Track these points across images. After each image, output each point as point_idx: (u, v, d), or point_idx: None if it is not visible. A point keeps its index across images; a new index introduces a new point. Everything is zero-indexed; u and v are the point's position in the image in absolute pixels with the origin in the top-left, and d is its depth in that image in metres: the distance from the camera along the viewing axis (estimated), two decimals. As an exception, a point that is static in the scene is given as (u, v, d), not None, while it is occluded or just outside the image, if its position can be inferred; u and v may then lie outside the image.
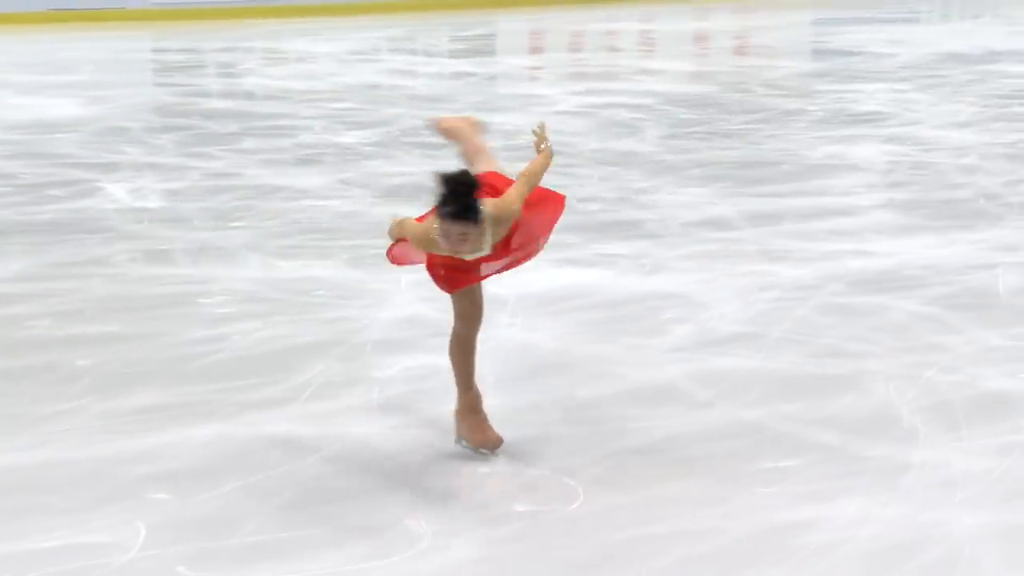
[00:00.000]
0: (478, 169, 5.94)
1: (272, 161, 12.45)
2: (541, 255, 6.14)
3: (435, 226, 5.47)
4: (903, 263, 8.94)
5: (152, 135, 13.97)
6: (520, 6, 28.40)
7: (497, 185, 5.77)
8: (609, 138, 13.56)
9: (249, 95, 17.34)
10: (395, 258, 6.01)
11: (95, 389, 6.80)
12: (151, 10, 26.03)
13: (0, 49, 22.89)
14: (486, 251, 5.60)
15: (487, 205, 5.48)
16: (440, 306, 6.00)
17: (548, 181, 5.93)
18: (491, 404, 6.48)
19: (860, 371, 7.00)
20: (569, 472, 5.84)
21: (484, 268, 5.77)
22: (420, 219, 5.69)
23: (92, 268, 8.99)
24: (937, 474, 5.81)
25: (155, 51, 23.49)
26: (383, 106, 15.75)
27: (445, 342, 6.05)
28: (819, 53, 22.41)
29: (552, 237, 6.02)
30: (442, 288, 5.87)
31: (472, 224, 5.43)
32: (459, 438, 6.05)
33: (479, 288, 5.90)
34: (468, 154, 6.24)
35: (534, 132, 6.05)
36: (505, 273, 6.01)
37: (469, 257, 5.62)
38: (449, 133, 6.46)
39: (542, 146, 5.97)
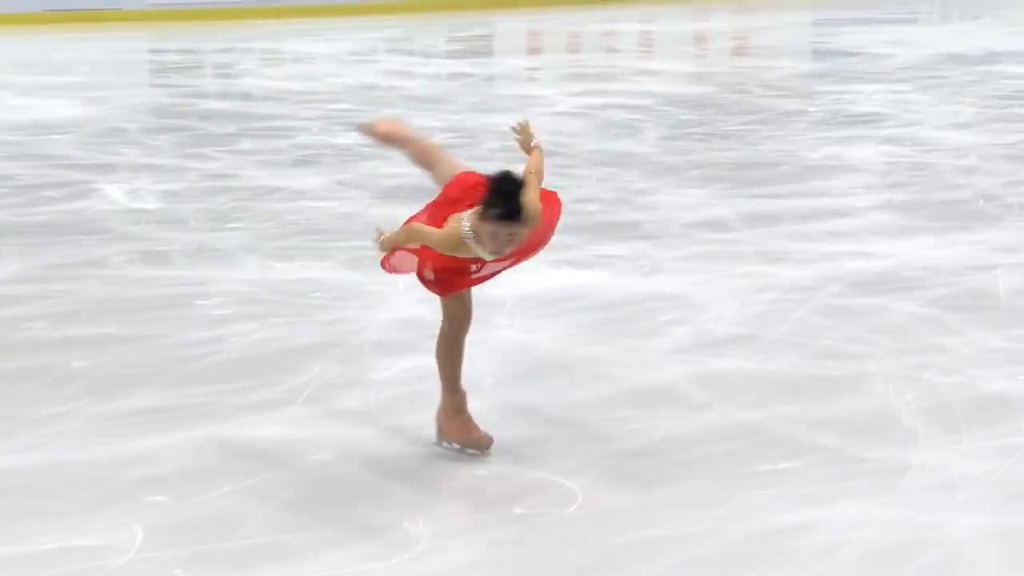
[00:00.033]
0: (445, 170, 5.93)
1: (269, 162, 12.43)
2: (540, 256, 6.12)
3: (466, 228, 5.48)
4: (902, 264, 8.93)
5: (149, 136, 13.94)
6: (518, 7, 28.39)
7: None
8: (607, 139, 13.55)
9: (246, 96, 17.32)
10: (393, 268, 5.96)
11: (91, 391, 6.77)
12: (148, 11, 26.01)
13: (-4, 50, 22.91)
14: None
15: None
16: (438, 308, 5.98)
17: (546, 181, 5.92)
18: (489, 406, 6.48)
19: (859, 373, 6.99)
20: (567, 474, 5.81)
21: (485, 270, 5.75)
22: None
23: (88, 269, 8.96)
24: (936, 476, 5.80)
25: (152, 52, 23.47)
26: (380, 107, 15.72)
27: (443, 344, 6.04)
28: (818, 54, 22.41)
29: (552, 239, 6.00)
30: (435, 292, 5.84)
31: (520, 224, 5.44)
32: (442, 440, 6.02)
33: (469, 290, 5.89)
34: (422, 156, 6.14)
35: (514, 129, 6.04)
36: (501, 275, 5.98)
37: (490, 258, 5.61)
38: (388, 138, 6.32)
39: (532, 143, 5.97)
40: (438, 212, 5.71)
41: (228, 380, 6.94)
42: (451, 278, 5.75)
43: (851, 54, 20.62)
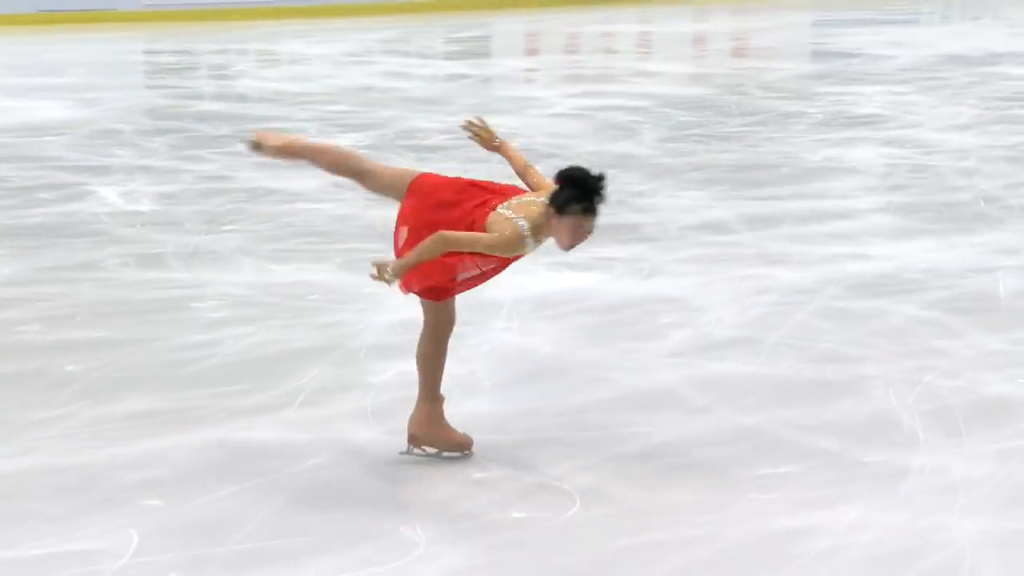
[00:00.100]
0: (391, 175, 5.86)
1: (265, 164, 12.32)
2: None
3: (524, 226, 5.49)
4: (902, 267, 8.91)
5: (144, 138, 13.94)
6: (516, 7, 28.39)
7: (483, 185, 5.79)
8: (606, 140, 13.53)
9: (242, 97, 17.32)
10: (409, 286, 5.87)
11: (86, 395, 6.74)
12: (143, 11, 26.00)
13: (-10, 51, 22.91)
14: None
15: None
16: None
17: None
18: (487, 409, 6.51)
19: (859, 376, 6.96)
20: (566, 478, 5.79)
21: (474, 272, 5.72)
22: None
23: (83, 272, 8.94)
24: (937, 480, 5.78)
25: (147, 53, 23.48)
26: (377, 108, 15.72)
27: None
28: (818, 55, 22.43)
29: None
30: (431, 299, 5.78)
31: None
32: (415, 447, 5.97)
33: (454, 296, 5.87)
34: (344, 163, 6.00)
35: (470, 127, 6.02)
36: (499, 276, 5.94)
37: (565, 250, 5.68)
38: (287, 151, 6.05)
39: (496, 141, 6.04)
40: (432, 218, 5.63)
41: (224, 383, 6.92)
42: (453, 283, 5.71)
43: (851, 55, 20.64)
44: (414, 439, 5.96)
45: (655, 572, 5.05)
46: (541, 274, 8.29)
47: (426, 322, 5.86)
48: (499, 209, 5.60)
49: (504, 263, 5.70)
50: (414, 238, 5.62)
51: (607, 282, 8.65)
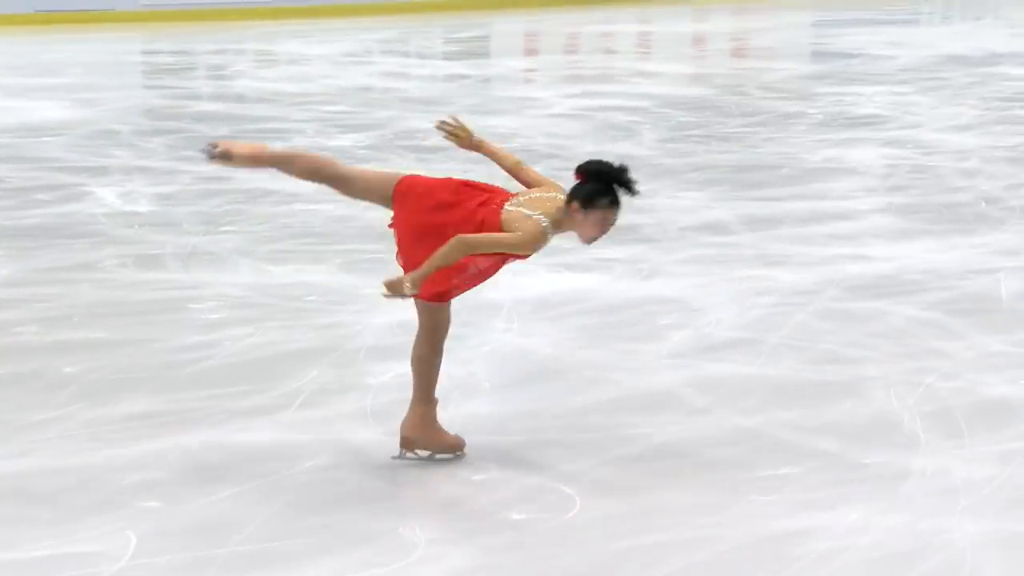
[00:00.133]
0: (376, 179, 5.83)
1: (265, 164, 12.36)
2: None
3: (546, 222, 5.52)
4: (903, 268, 8.89)
5: (142, 138, 13.93)
6: (515, 7, 28.38)
7: (474, 184, 5.79)
8: (605, 141, 13.51)
9: (240, 98, 17.31)
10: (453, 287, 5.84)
11: (83, 396, 6.72)
12: (140, 11, 25.99)
13: (-14, 51, 22.90)
14: None
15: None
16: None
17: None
18: (486, 410, 6.49)
19: (859, 377, 6.94)
20: (565, 480, 5.77)
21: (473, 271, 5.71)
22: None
23: (80, 273, 8.93)
24: (938, 481, 5.76)
25: (145, 53, 23.47)
26: (376, 109, 15.71)
27: (440, 348, 5.98)
28: (818, 55, 22.43)
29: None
30: (437, 300, 5.75)
31: None
32: (408, 451, 5.94)
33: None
34: (319, 168, 5.92)
35: (444, 126, 6.00)
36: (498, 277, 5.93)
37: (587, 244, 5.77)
38: (257, 160, 5.97)
39: (475, 139, 6.04)
40: (433, 220, 5.61)
41: (222, 385, 6.89)
42: (460, 283, 5.69)
43: (851, 55, 20.63)
44: (408, 442, 5.92)
45: (655, 574, 5.03)
46: (541, 275, 8.27)
47: (423, 325, 5.82)
48: (508, 207, 5.61)
49: (502, 261, 5.68)
50: (416, 242, 5.60)
51: (607, 283, 8.63)
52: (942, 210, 10.61)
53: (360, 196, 5.88)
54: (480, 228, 5.56)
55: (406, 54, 22.61)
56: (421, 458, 5.93)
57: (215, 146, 5.83)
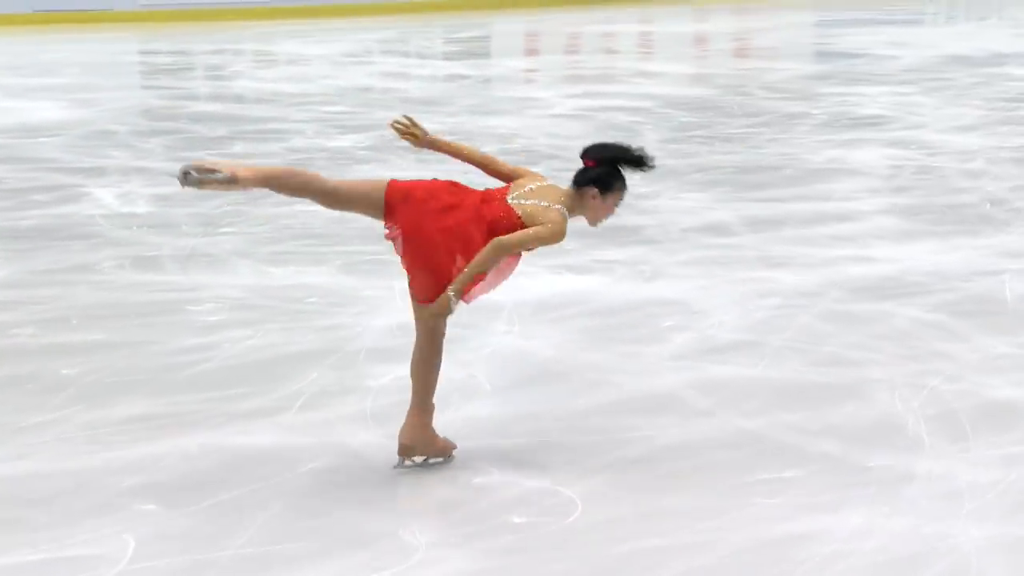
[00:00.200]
0: (362, 188, 5.76)
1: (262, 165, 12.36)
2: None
3: (566, 213, 5.67)
4: (906, 269, 8.85)
5: (139, 139, 13.94)
6: (516, 7, 28.39)
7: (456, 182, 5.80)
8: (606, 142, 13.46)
9: (239, 98, 17.32)
10: (473, 295, 5.76)
11: (80, 399, 6.70)
12: (138, 11, 26.00)
13: (-17, 51, 22.92)
14: None
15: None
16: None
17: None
18: (487, 412, 6.47)
19: (863, 380, 6.91)
20: (567, 483, 5.74)
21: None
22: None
23: (78, 275, 8.91)
24: (942, 485, 5.72)
25: (142, 53, 23.49)
26: (376, 109, 15.70)
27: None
28: (821, 55, 22.44)
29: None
30: (465, 302, 5.72)
31: None
32: (407, 458, 5.90)
33: None
34: (318, 186, 5.74)
35: (399, 127, 5.97)
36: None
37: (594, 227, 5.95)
38: (267, 180, 5.64)
39: (429, 136, 6.00)
40: (441, 223, 5.59)
41: (221, 387, 6.87)
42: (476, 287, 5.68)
43: (855, 55, 20.64)
44: (406, 449, 5.87)
45: (657, 578, 5.00)
46: (542, 277, 8.25)
47: (422, 330, 5.77)
48: (514, 201, 5.67)
49: (518, 257, 5.73)
50: (428, 247, 5.56)
51: (608, 285, 8.61)
52: (946, 211, 10.58)
53: (347, 207, 5.79)
54: (494, 225, 5.60)
55: (406, 54, 22.63)
56: (417, 464, 5.90)
57: (189, 173, 5.57)
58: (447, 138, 6.12)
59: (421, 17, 27.03)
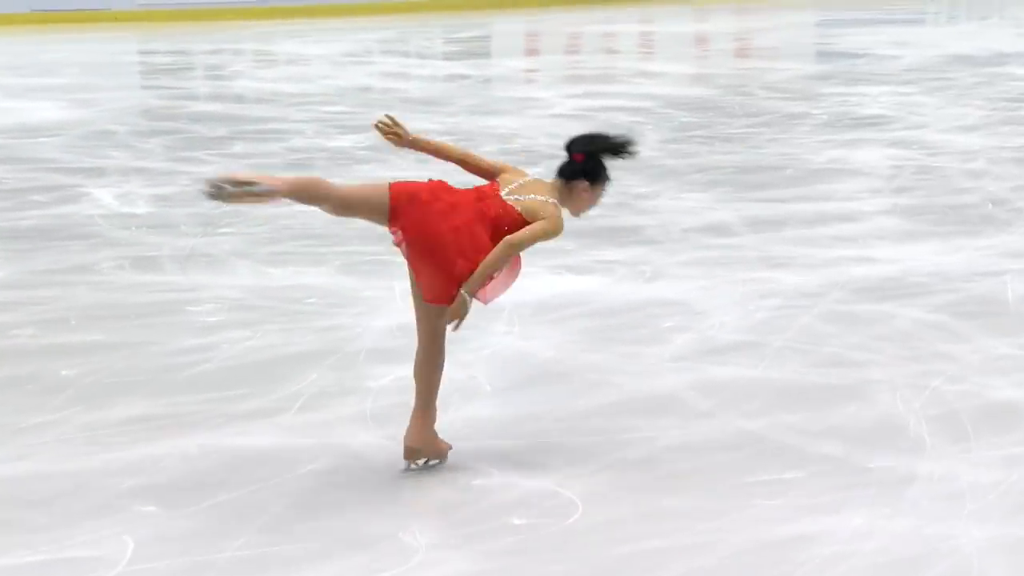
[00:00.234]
0: (355, 194, 5.72)
1: (262, 166, 12.37)
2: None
3: (555, 203, 5.71)
4: (908, 270, 8.83)
5: (139, 139, 13.94)
6: (516, 7, 28.38)
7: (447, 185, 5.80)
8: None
9: (239, 98, 17.32)
10: (489, 295, 5.76)
11: (80, 400, 6.69)
12: (138, 11, 26.00)
13: (-19, 51, 22.92)
14: None
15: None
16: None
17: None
18: (487, 413, 6.46)
19: (864, 380, 6.89)
20: (567, 484, 5.72)
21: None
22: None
23: (77, 275, 8.90)
24: (944, 486, 5.70)
25: (142, 53, 23.49)
26: (376, 109, 15.65)
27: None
28: (822, 55, 22.43)
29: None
30: (483, 302, 5.72)
31: None
32: (413, 461, 5.88)
33: None
34: (334, 196, 5.69)
35: (383, 126, 5.95)
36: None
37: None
38: (304, 189, 5.65)
39: (411, 135, 6.02)
40: (449, 223, 5.58)
41: (220, 388, 6.85)
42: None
43: (856, 55, 20.62)
44: (413, 452, 5.85)
45: (658, 579, 4.99)
46: (542, 277, 8.23)
47: (424, 330, 5.74)
48: (509, 197, 5.70)
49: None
50: (436, 249, 5.55)
51: (608, 285, 8.59)
52: (948, 212, 10.56)
53: (354, 214, 5.74)
54: (497, 223, 5.62)
55: (406, 54, 22.62)
56: (421, 467, 5.89)
57: (222, 187, 5.57)
58: (429, 137, 6.13)
59: (421, 17, 27.03)
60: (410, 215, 5.59)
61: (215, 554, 5.15)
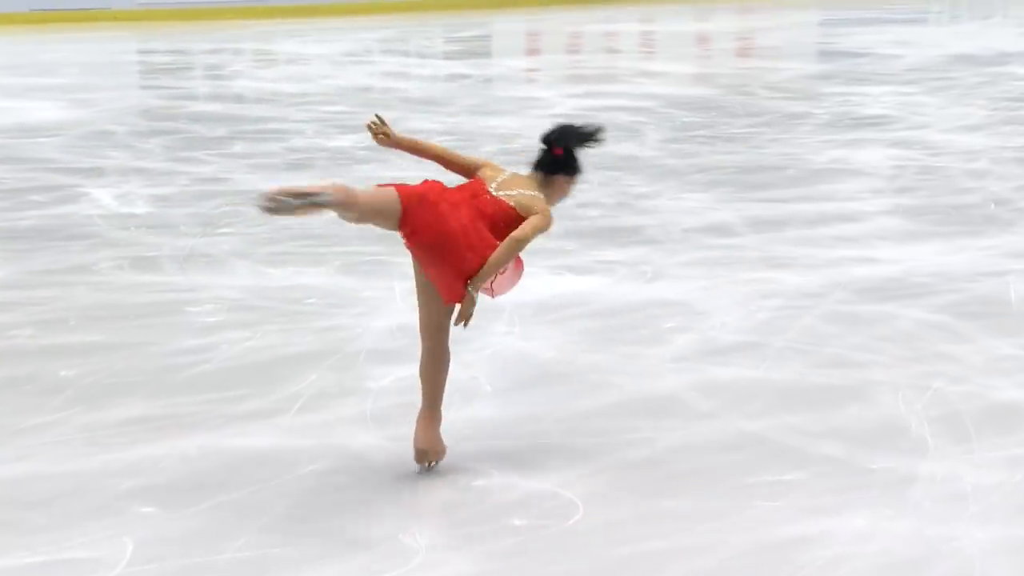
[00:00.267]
0: (368, 200, 5.64)
1: (262, 166, 12.37)
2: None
3: (542, 197, 5.80)
4: (910, 270, 8.82)
5: (138, 139, 13.94)
6: (516, 6, 28.38)
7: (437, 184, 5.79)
8: (608, 142, 13.31)
9: (238, 98, 17.32)
10: (497, 290, 5.80)
11: (79, 400, 6.68)
12: (137, 11, 26.00)
13: (-19, 50, 22.93)
14: None
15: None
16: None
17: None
18: (488, 414, 6.45)
19: (866, 381, 6.88)
20: (568, 485, 5.71)
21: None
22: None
23: (76, 276, 8.89)
24: (946, 487, 5.69)
25: (141, 52, 23.49)
26: (376, 109, 15.62)
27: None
28: (824, 55, 22.43)
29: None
30: (488, 295, 5.72)
31: None
32: (424, 462, 5.86)
33: None
34: (357, 203, 5.62)
35: (373, 127, 5.96)
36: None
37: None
38: (349, 198, 5.57)
39: (398, 136, 6.06)
40: (456, 223, 5.56)
41: (220, 389, 6.84)
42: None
43: (858, 55, 20.62)
44: (424, 455, 5.83)
45: (658, 581, 4.98)
46: (543, 278, 8.22)
47: (429, 329, 5.73)
48: (499, 193, 5.72)
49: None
50: (446, 250, 5.53)
51: (609, 286, 8.57)
52: (950, 212, 10.54)
53: (365, 219, 5.64)
54: (494, 219, 5.63)
55: (406, 54, 22.62)
56: (428, 468, 5.88)
57: (283, 201, 5.58)
58: (415, 137, 6.19)
59: (421, 16, 27.04)
60: (421, 217, 5.56)
61: (215, 555, 5.14)
